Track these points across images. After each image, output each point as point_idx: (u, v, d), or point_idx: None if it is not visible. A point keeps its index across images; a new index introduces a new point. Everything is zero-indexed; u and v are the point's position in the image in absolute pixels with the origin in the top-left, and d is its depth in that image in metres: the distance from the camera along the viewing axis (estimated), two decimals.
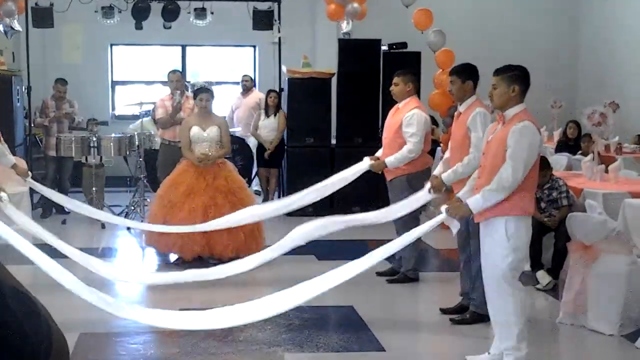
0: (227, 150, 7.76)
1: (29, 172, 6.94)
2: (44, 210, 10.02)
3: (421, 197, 5.89)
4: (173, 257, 7.59)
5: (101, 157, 9.86)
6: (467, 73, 5.83)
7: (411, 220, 6.85)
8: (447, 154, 6.08)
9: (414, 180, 6.60)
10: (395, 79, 6.87)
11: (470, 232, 5.54)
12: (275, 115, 10.50)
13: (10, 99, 10.13)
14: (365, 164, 6.77)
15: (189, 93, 9.35)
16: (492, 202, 4.50)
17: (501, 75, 4.67)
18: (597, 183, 7.31)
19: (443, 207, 4.75)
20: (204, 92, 7.70)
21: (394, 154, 6.66)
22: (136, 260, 8.06)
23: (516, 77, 4.64)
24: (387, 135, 6.92)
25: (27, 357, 1.06)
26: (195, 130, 7.48)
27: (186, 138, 7.64)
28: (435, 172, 5.97)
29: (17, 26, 10.28)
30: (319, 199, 6.80)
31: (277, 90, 10.87)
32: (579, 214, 5.76)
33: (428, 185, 5.81)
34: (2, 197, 6.16)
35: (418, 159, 6.68)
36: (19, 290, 1.09)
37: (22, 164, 7.25)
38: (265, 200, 10.59)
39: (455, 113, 5.98)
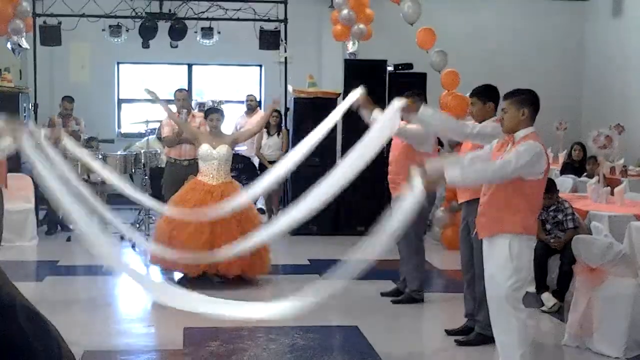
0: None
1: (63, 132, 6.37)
2: (49, 227, 10.03)
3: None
4: (177, 275, 7.57)
5: None
6: (488, 95, 5.80)
7: (416, 240, 6.84)
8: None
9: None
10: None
11: (473, 253, 5.52)
12: (278, 134, 10.53)
13: (17, 116, 10.17)
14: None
15: (195, 111, 9.38)
16: (467, 181, 4.59)
17: (511, 99, 4.69)
18: (603, 205, 7.31)
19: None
20: (214, 112, 7.84)
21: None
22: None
23: (526, 100, 4.66)
24: (393, 155, 6.93)
25: None
26: (204, 148, 7.51)
27: (189, 131, 7.99)
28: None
29: (24, 44, 10.36)
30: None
31: (282, 109, 10.89)
32: (584, 236, 5.75)
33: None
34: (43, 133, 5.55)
35: None
36: (30, 309, 1.09)
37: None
38: (270, 218, 10.58)
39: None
